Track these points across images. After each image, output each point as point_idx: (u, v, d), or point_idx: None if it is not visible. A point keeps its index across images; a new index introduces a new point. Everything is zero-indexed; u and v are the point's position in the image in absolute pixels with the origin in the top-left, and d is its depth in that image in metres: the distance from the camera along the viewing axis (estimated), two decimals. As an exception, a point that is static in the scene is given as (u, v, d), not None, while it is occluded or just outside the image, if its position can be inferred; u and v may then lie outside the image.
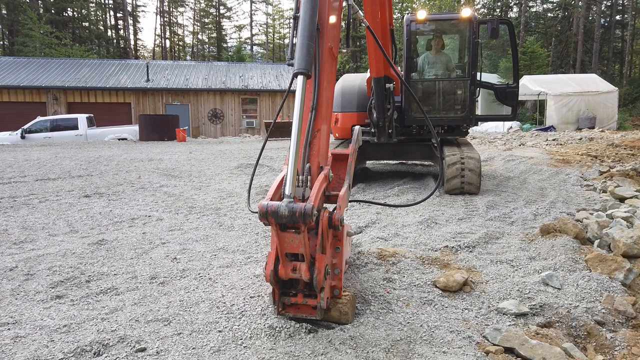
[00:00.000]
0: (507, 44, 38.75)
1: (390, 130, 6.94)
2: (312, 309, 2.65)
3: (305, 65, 2.60)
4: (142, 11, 55.45)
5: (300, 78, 2.60)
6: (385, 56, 4.10)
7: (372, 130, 7.03)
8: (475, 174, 6.38)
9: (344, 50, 3.61)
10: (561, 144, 12.89)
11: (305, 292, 2.65)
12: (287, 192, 2.40)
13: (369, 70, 6.56)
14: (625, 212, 4.77)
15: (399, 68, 7.45)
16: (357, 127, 3.41)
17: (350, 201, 3.90)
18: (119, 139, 19.10)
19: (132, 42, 52.83)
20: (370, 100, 6.85)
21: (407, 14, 7.27)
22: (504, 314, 2.91)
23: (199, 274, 3.65)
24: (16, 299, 3.22)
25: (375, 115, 6.75)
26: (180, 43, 60.91)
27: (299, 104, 2.55)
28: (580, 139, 14.25)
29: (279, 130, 20.18)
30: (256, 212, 2.52)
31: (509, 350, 2.53)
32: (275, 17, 60.85)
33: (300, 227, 2.37)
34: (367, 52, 6.25)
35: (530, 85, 22.08)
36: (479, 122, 8.46)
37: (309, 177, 2.63)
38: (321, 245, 2.56)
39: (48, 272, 3.69)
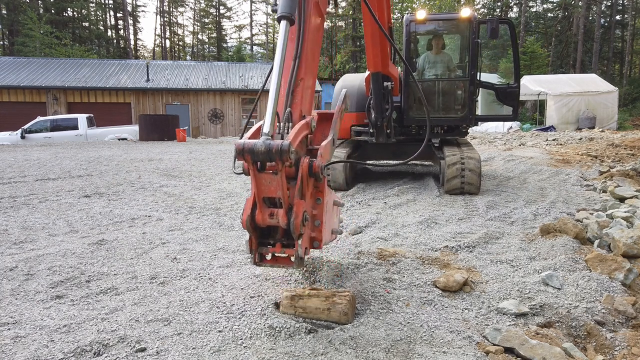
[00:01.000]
0: (507, 44, 38.78)
1: (388, 131, 6.92)
2: (290, 260, 2.57)
3: (288, 9, 2.54)
4: (142, 11, 55.61)
5: (283, 23, 2.53)
6: (381, 28, 3.95)
7: (371, 130, 7.02)
8: (475, 174, 6.38)
9: (332, 9, 3.58)
10: (561, 144, 12.89)
11: (283, 242, 2.58)
12: (265, 130, 2.33)
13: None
14: (625, 212, 4.77)
15: (398, 68, 7.44)
16: (344, 90, 3.31)
17: (336, 161, 3.84)
18: (119, 139, 19.10)
19: (132, 42, 52.85)
20: (369, 99, 6.83)
21: (407, 14, 7.27)
22: (504, 314, 2.91)
23: (199, 274, 3.65)
24: (16, 299, 3.22)
25: (373, 115, 6.73)
26: (180, 43, 60.92)
27: (281, 49, 2.47)
28: (580, 139, 14.25)
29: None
30: (240, 173, 2.46)
31: (509, 350, 2.53)
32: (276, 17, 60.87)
33: (277, 165, 2.30)
34: (365, 45, 6.14)
35: (530, 85, 22.09)
36: (480, 122, 8.47)
37: (289, 125, 2.56)
38: (300, 191, 2.50)
39: (48, 272, 3.69)
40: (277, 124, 2.52)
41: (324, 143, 2.82)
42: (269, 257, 2.64)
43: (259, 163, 2.35)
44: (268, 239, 2.62)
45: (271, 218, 2.46)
